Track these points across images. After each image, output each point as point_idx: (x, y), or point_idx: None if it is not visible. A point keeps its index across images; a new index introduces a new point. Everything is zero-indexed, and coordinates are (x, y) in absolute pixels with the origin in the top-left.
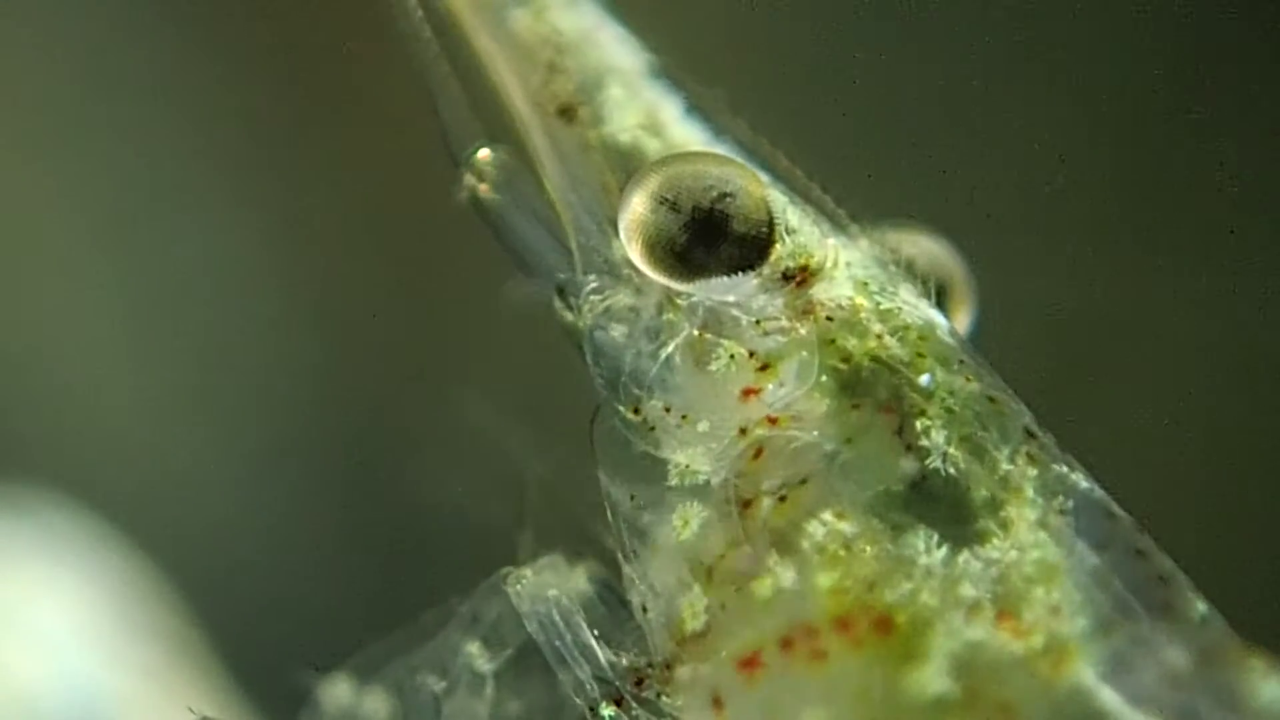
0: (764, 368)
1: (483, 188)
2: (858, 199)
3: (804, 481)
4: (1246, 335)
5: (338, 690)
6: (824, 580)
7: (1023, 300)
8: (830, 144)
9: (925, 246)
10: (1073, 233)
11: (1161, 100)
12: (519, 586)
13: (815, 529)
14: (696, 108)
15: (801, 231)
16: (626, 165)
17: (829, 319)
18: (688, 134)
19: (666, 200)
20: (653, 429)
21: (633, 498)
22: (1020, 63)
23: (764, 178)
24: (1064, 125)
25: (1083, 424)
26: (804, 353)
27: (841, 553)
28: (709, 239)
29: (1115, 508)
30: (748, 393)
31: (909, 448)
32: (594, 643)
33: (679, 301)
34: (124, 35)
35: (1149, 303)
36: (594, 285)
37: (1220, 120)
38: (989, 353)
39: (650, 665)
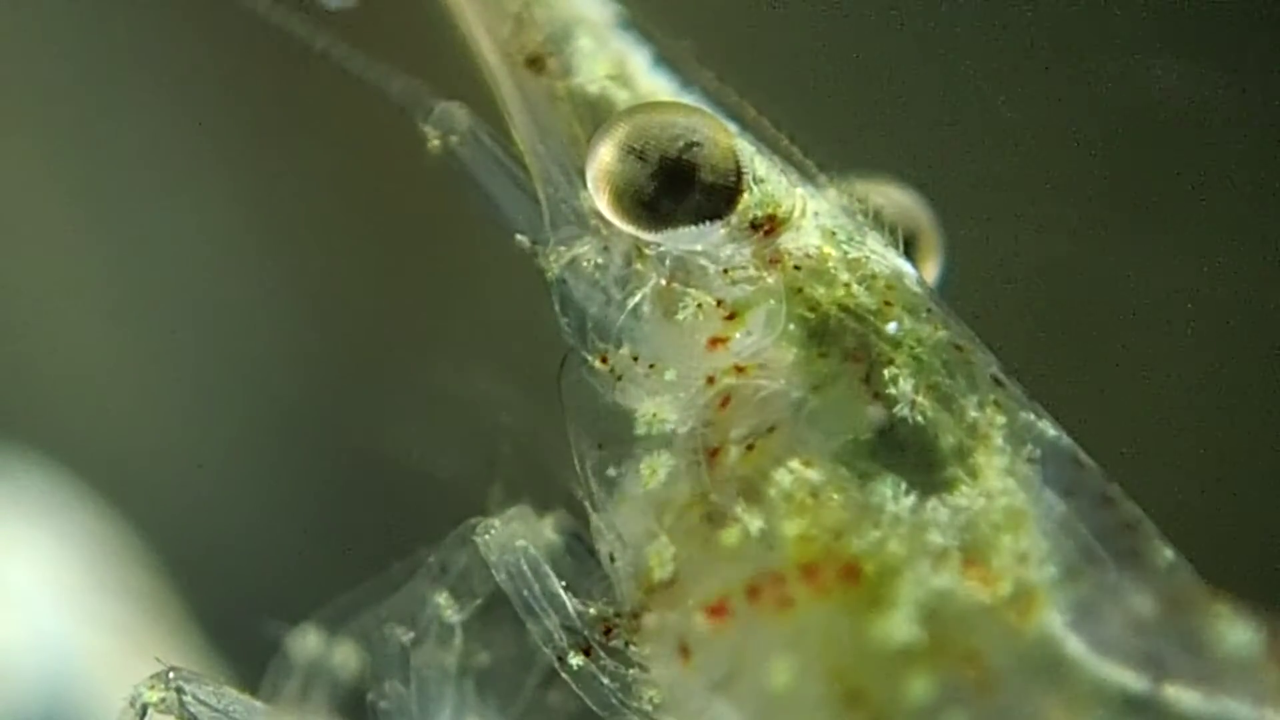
0: (731, 316)
1: (452, 139)
2: (837, 154)
3: (771, 430)
4: (1224, 298)
5: (307, 641)
6: (791, 528)
7: (1004, 259)
8: (808, 102)
9: (893, 196)
10: (1055, 192)
11: (1147, 60)
12: (487, 537)
13: (782, 477)
14: (665, 59)
15: (769, 181)
16: (595, 116)
17: (796, 268)
18: (656, 84)
19: (634, 150)
20: (620, 378)
21: (600, 447)
22: (1003, 20)
23: (732, 127)
24: (1046, 83)
25: (1060, 383)
26: (771, 301)
27: (809, 501)
28: (676, 188)
29: (1083, 455)
30: (715, 341)
31: (876, 396)
32: (562, 593)
33: (647, 251)
34: (110, 14)
35: (1129, 264)
36: (562, 236)
37: (1205, 81)
38: (970, 311)
39: (618, 615)
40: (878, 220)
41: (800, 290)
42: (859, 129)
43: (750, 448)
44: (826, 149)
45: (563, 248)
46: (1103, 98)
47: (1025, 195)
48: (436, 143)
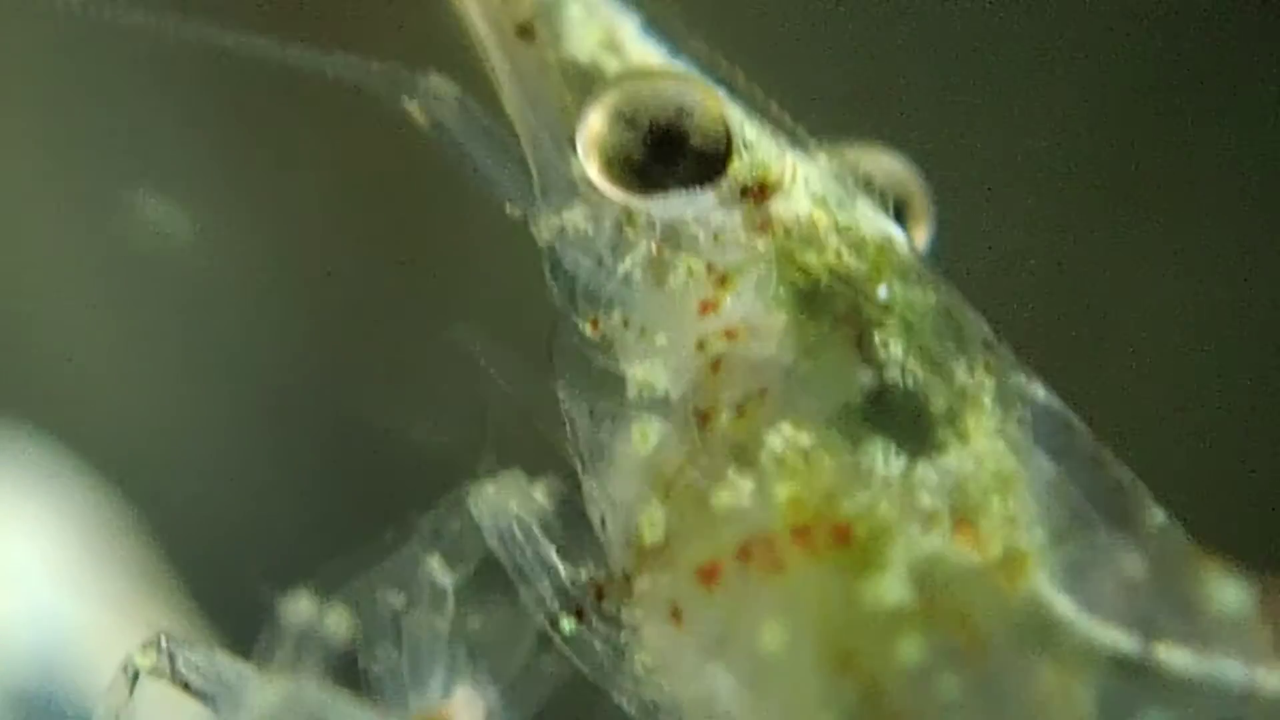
0: (722, 282)
1: (440, 110)
2: (827, 122)
3: (762, 394)
4: (1219, 295)
5: (299, 607)
6: (782, 491)
7: (999, 255)
8: (799, 69)
9: (883, 163)
10: (1050, 190)
11: (1144, 61)
12: (480, 502)
13: (773, 440)
14: (654, 25)
15: (759, 147)
16: (585, 84)
17: (787, 233)
18: (646, 51)
19: (624, 116)
20: (611, 344)
21: (592, 413)
22: (1003, 18)
23: (722, 94)
24: (1045, 80)
25: (1054, 374)
26: (762, 266)
27: (800, 464)
28: (667, 155)
29: (1073, 418)
30: (705, 306)
31: (867, 360)
32: (554, 557)
33: (637, 218)
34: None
35: (1125, 261)
36: (553, 203)
37: (1201, 85)
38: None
39: (610, 578)
40: (868, 186)
41: (791, 255)
42: (850, 97)
43: (741, 412)
44: (816, 116)
45: (553, 215)
46: (1099, 86)
47: (1019, 184)
48: (423, 116)
